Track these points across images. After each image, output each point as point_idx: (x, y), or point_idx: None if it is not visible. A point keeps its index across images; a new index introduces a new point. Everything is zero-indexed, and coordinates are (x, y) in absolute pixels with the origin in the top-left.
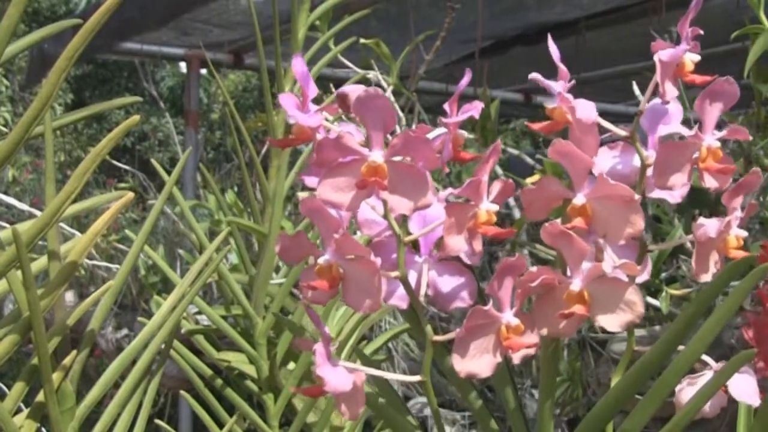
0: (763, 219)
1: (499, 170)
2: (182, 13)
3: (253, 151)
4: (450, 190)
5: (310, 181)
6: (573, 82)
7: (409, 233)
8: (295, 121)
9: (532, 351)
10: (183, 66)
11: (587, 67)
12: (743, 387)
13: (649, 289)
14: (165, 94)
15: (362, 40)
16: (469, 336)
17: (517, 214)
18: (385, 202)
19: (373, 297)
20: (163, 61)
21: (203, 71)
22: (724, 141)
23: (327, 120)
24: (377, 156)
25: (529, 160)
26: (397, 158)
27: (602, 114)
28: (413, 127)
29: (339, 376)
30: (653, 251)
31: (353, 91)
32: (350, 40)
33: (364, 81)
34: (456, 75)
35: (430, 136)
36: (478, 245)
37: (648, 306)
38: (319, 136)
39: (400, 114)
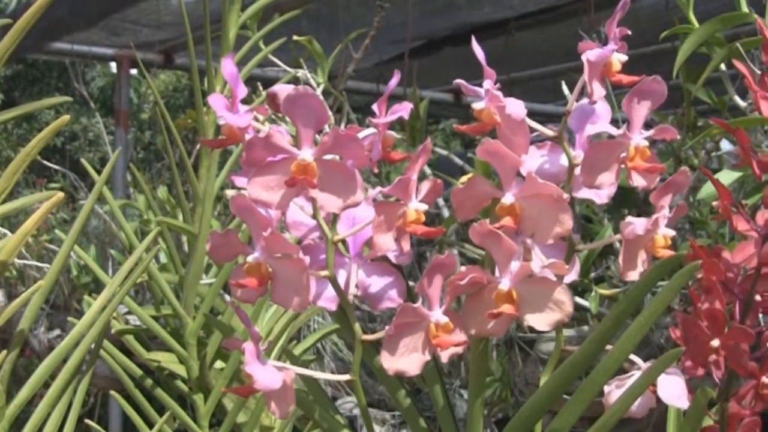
0: (692, 219)
1: (428, 170)
2: (112, 12)
3: (183, 151)
4: (379, 189)
5: (240, 181)
6: (498, 84)
7: (338, 234)
8: (225, 121)
9: (460, 349)
10: (113, 66)
11: (517, 68)
12: (671, 389)
13: (578, 289)
14: (95, 94)
15: (295, 38)
16: (399, 334)
17: (446, 213)
18: (314, 201)
19: (302, 295)
20: (93, 61)
21: (134, 71)
22: (653, 141)
23: (257, 120)
24: (307, 154)
25: (458, 160)
26: (328, 157)
27: (532, 114)
28: (342, 127)
29: (268, 374)
30: (582, 251)
31: (283, 90)
32: (280, 41)
33: (294, 81)
34: (386, 75)
35: (360, 136)
36: (406, 244)
37: (577, 306)
38: (249, 137)
39: (329, 113)
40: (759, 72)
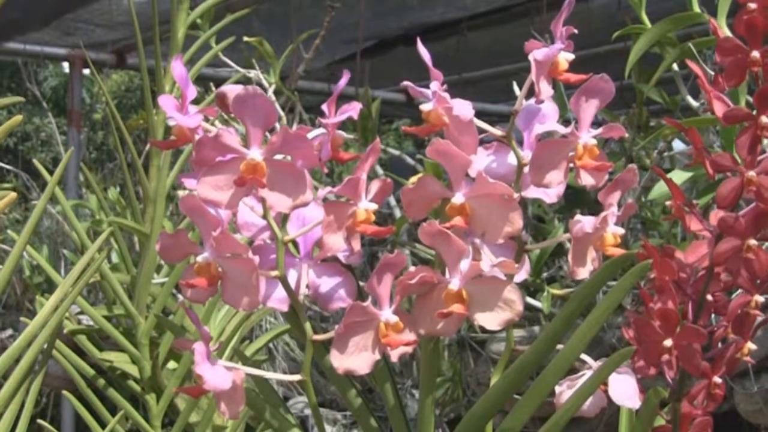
0: (644, 219)
1: (380, 170)
2: (65, 13)
3: (134, 151)
4: (328, 189)
5: (190, 183)
6: (450, 84)
7: (288, 234)
8: (175, 122)
9: (410, 349)
10: (66, 66)
11: (469, 68)
12: (623, 389)
13: (530, 289)
14: (48, 94)
15: (245, 38)
16: (348, 333)
17: (398, 213)
18: (264, 201)
19: (252, 295)
20: (45, 61)
21: (86, 71)
22: (604, 141)
23: (208, 121)
24: (256, 154)
25: (410, 160)
26: (278, 156)
27: (485, 114)
28: (294, 126)
29: (218, 375)
30: (533, 251)
31: (232, 90)
32: (230, 39)
33: (246, 80)
34: (338, 75)
35: (310, 136)
36: (356, 244)
37: (529, 306)
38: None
39: (281, 113)
40: (711, 72)
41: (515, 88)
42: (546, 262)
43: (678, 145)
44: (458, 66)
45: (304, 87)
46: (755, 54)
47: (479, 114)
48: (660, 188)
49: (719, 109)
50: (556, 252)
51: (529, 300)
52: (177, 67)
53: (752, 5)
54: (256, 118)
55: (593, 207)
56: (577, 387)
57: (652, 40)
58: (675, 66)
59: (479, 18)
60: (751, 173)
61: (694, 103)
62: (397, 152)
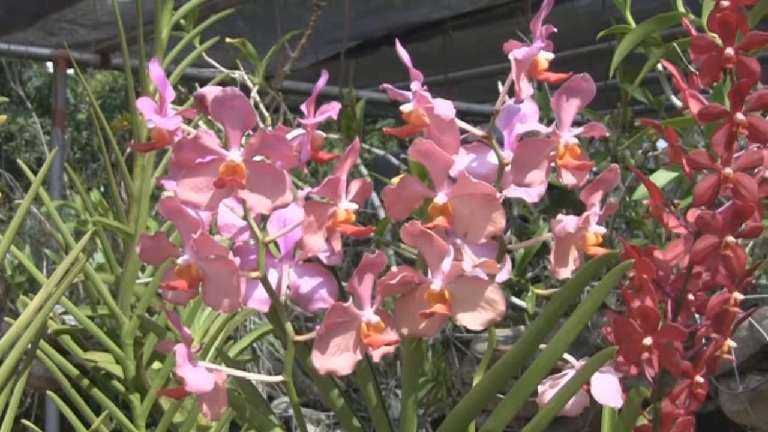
0: (629, 218)
1: (364, 170)
2: (49, 12)
3: (117, 151)
4: (308, 189)
5: (170, 185)
6: (434, 84)
7: (269, 235)
8: (154, 124)
9: (392, 349)
10: (50, 66)
11: (455, 68)
12: (605, 388)
13: (515, 289)
14: (32, 94)
15: (228, 40)
16: (330, 333)
17: (383, 213)
18: (244, 203)
19: (232, 297)
20: (30, 61)
21: (70, 71)
22: (590, 141)
23: (188, 122)
24: (235, 155)
25: (394, 160)
26: (258, 158)
27: (470, 114)
28: (278, 126)
29: (200, 376)
30: (518, 250)
31: (210, 92)
32: (213, 40)
33: (230, 81)
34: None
35: (289, 136)
36: (337, 244)
37: (514, 306)
38: (178, 139)
39: (266, 114)
40: (697, 72)
41: (500, 88)
42: (530, 262)
43: (663, 144)
44: (443, 66)
45: (289, 87)
46: (729, 51)
47: (465, 114)
48: (644, 189)
49: (695, 107)
50: (541, 252)
51: (514, 300)
52: (155, 69)
53: (725, 2)
54: (235, 119)
55: (578, 207)
56: (559, 386)
57: (636, 40)
58: (659, 66)
59: (464, 18)
60: (728, 170)
61: (678, 103)
62: (381, 152)
